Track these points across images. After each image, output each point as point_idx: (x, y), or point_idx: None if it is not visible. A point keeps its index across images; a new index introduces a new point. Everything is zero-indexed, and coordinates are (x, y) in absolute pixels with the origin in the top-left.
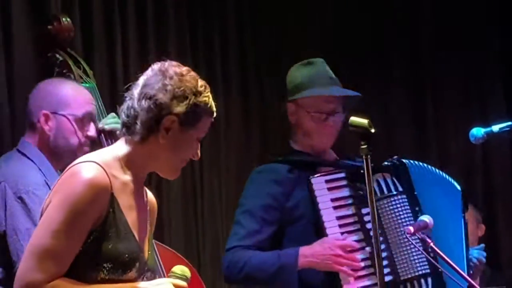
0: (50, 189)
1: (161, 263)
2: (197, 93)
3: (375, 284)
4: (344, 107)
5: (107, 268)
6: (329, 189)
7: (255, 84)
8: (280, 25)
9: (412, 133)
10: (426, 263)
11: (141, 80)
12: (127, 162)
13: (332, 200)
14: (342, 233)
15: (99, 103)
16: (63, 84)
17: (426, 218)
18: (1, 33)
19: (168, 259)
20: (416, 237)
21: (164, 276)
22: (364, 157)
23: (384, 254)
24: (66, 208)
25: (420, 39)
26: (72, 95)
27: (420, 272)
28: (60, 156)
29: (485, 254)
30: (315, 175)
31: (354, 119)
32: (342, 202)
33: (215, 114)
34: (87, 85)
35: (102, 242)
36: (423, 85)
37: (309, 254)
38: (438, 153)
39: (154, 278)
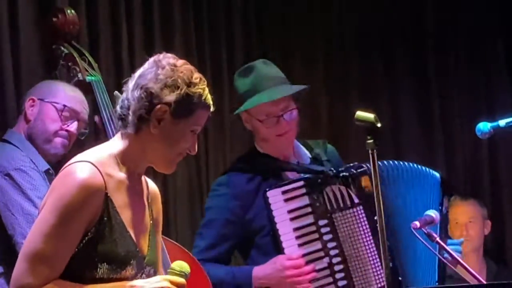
0: (37, 169)
1: (168, 258)
2: (190, 84)
3: None
4: (296, 98)
5: (103, 268)
6: (286, 200)
7: None
8: (286, 19)
9: (418, 128)
10: (382, 275)
11: (137, 72)
12: (123, 158)
13: (289, 211)
14: (299, 245)
15: (104, 96)
16: (63, 83)
17: (432, 213)
18: (7, 26)
19: (175, 254)
20: (422, 232)
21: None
22: (370, 151)
23: (339, 267)
24: (58, 211)
25: (426, 34)
26: (66, 91)
27: (378, 286)
28: (34, 141)
29: (460, 249)
30: (272, 187)
31: (360, 113)
32: (300, 212)
33: (212, 108)
34: (92, 78)
35: (97, 242)
36: (429, 80)
37: (262, 276)
38: (444, 148)
39: (155, 274)
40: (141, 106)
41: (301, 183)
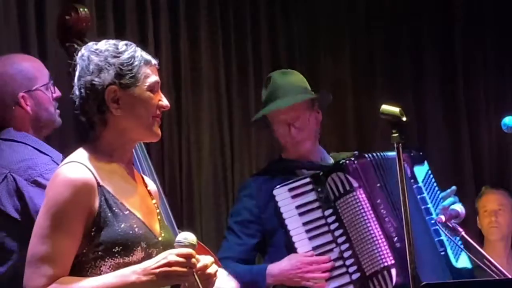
0: (57, 164)
1: None
2: (119, 54)
3: (348, 283)
4: (319, 105)
5: (115, 253)
6: (293, 196)
7: None
8: (311, 15)
9: (444, 122)
10: (390, 254)
11: (75, 79)
12: (108, 149)
13: (297, 207)
14: (310, 238)
15: None
16: (17, 60)
17: (458, 207)
18: (34, 18)
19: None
20: (446, 226)
21: None
22: (395, 145)
23: (348, 253)
24: (49, 212)
25: (453, 29)
26: (33, 66)
27: (384, 264)
28: (41, 128)
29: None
30: (278, 186)
31: (385, 107)
32: (308, 207)
33: (153, 61)
34: None
35: (103, 229)
36: (456, 74)
37: (277, 273)
38: (470, 141)
39: None
40: (92, 101)
41: (307, 179)
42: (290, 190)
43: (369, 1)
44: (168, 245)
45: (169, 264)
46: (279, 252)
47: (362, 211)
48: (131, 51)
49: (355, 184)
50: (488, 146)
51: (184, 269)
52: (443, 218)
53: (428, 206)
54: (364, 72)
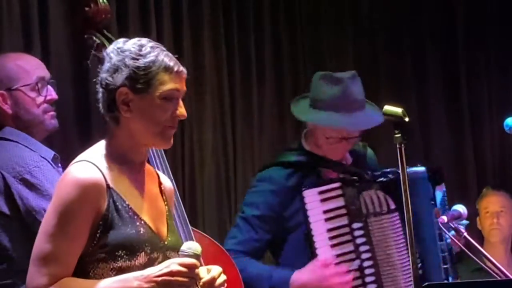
0: (46, 160)
1: None
2: (138, 57)
3: None
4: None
5: (118, 256)
6: (322, 200)
7: (290, 75)
8: (315, 15)
9: (447, 123)
10: (411, 283)
11: None
12: (120, 148)
13: (325, 212)
14: (332, 246)
15: None
16: (6, 59)
17: (460, 208)
18: (37, 17)
19: (203, 245)
20: (449, 226)
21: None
22: (398, 146)
23: (370, 271)
24: (57, 211)
25: (456, 30)
26: (18, 66)
27: None
28: (27, 129)
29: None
30: (309, 187)
31: (388, 108)
32: (335, 213)
33: (175, 67)
34: None
35: (109, 231)
36: (459, 75)
37: (302, 283)
38: (473, 142)
39: None
40: (105, 100)
41: (338, 184)
42: (320, 193)
43: (372, 2)
44: (174, 249)
45: (171, 274)
46: (295, 253)
47: (394, 235)
48: (152, 55)
49: (392, 206)
50: (490, 147)
51: (186, 280)
52: (445, 218)
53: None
54: (368, 73)
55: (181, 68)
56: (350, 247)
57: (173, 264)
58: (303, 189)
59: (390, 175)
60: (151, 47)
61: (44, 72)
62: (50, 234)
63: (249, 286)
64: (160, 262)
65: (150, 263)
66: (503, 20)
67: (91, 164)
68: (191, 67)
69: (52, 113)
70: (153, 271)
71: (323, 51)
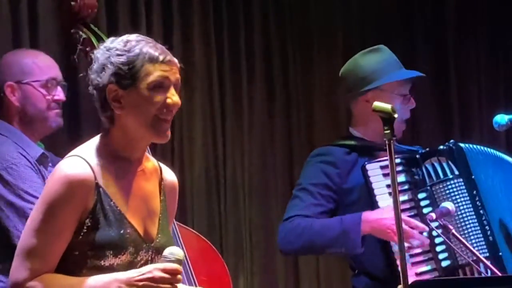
0: (26, 158)
1: (183, 245)
2: (122, 53)
3: (434, 270)
4: None
5: (102, 255)
6: (385, 175)
7: (279, 70)
8: (304, 7)
9: (436, 119)
10: (484, 247)
11: None
12: (115, 147)
13: (388, 186)
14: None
15: None
16: (24, 53)
17: (448, 205)
18: (26, 11)
19: (191, 241)
20: (438, 224)
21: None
22: (387, 142)
23: (440, 240)
24: (44, 206)
25: (445, 24)
26: (34, 62)
27: (477, 257)
28: (31, 124)
29: None
30: (371, 161)
31: (377, 104)
32: (398, 188)
33: (160, 57)
34: None
35: (93, 230)
36: (448, 72)
37: (372, 220)
38: (462, 139)
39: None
40: (98, 100)
41: (398, 160)
42: (382, 168)
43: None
44: (162, 250)
45: (153, 279)
46: None
47: (461, 199)
48: (137, 49)
49: (456, 172)
50: (479, 144)
51: (168, 286)
52: (433, 215)
53: None
54: None
55: (169, 57)
56: (417, 220)
57: (155, 269)
58: (366, 163)
59: (450, 144)
60: (136, 41)
61: (57, 74)
62: (36, 229)
63: (319, 237)
64: (143, 264)
65: (134, 264)
66: (492, 18)
67: (82, 160)
68: (181, 63)
69: (58, 111)
70: (134, 274)
71: (313, 47)
